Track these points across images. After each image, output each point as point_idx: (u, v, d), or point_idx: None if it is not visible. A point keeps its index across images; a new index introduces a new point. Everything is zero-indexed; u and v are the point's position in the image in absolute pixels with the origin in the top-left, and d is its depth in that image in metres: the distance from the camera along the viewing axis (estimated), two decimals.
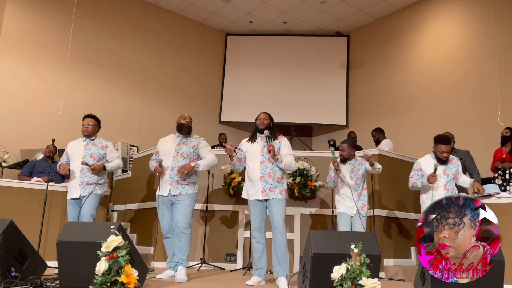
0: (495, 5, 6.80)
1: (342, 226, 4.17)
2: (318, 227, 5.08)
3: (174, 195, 3.95)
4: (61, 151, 6.11)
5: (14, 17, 7.02)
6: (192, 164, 3.95)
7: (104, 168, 4.27)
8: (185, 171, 3.89)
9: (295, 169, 3.81)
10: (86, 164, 4.17)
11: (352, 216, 4.19)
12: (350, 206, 4.20)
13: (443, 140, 4.08)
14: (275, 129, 3.95)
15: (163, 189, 4.01)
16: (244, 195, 3.89)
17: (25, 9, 7.16)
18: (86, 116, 4.40)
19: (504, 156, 5.03)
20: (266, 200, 3.75)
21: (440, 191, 4.00)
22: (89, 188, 4.17)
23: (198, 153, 4.10)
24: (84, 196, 4.17)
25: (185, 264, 3.85)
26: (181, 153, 4.01)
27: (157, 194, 4.08)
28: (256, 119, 3.94)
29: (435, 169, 4.00)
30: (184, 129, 4.09)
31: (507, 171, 4.89)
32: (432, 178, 3.97)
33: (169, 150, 4.07)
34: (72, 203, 4.22)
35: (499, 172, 4.97)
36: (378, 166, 4.24)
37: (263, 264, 3.74)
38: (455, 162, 4.13)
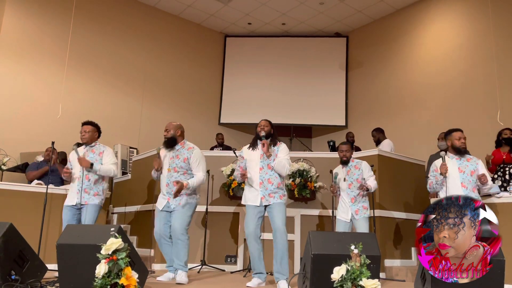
0: (493, 5, 6.81)
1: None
2: (318, 228, 5.08)
3: (173, 207, 3.93)
4: (61, 154, 6.11)
5: (13, 20, 7.02)
6: (185, 189, 3.86)
7: (91, 166, 4.11)
8: (177, 192, 3.83)
9: (287, 173, 3.80)
10: (76, 151, 4.14)
11: (349, 221, 4.23)
12: (345, 211, 4.25)
13: (454, 129, 4.05)
14: (276, 135, 3.96)
15: (160, 202, 4.01)
16: (243, 201, 3.90)
17: (24, 12, 7.16)
18: (83, 124, 4.34)
19: (504, 157, 5.02)
20: (266, 206, 3.77)
21: (457, 189, 3.83)
22: (87, 197, 4.13)
23: (190, 166, 4.00)
24: (82, 204, 4.13)
25: (184, 269, 3.83)
26: (173, 167, 3.97)
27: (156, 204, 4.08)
28: (257, 126, 3.95)
29: (443, 159, 3.91)
30: (164, 145, 4.05)
31: (507, 172, 4.88)
32: (442, 167, 3.86)
33: (164, 164, 4.05)
34: (67, 208, 4.18)
35: (499, 173, 4.96)
36: (372, 186, 4.25)
37: (262, 269, 3.75)
38: (473, 161, 3.97)
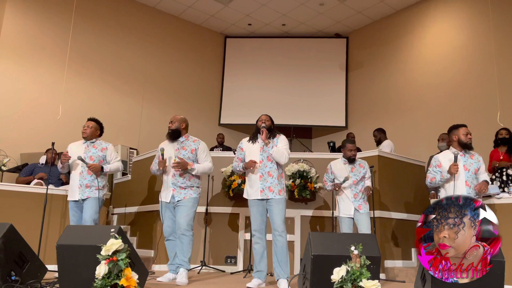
0: (493, 6, 6.82)
1: (344, 230, 4.24)
2: (318, 229, 5.08)
3: (178, 201, 3.94)
4: (61, 155, 6.10)
5: (13, 21, 7.03)
6: (189, 167, 3.93)
7: (101, 169, 4.21)
8: (180, 168, 3.90)
9: (285, 161, 3.80)
10: (82, 160, 4.13)
11: (352, 218, 4.26)
12: (348, 208, 4.27)
13: (460, 124, 3.98)
14: (275, 129, 3.99)
15: (165, 195, 4.01)
16: (244, 195, 3.91)
17: (24, 13, 7.16)
18: (88, 119, 4.40)
19: (501, 158, 5.01)
20: (266, 201, 3.76)
21: (461, 188, 3.76)
22: (88, 191, 4.15)
23: (197, 157, 4.08)
24: (83, 200, 4.16)
25: (187, 266, 3.84)
26: (180, 158, 4.00)
27: (160, 198, 4.08)
28: (257, 120, 3.97)
29: (456, 158, 3.77)
30: (167, 136, 4.08)
31: (504, 173, 4.87)
32: (454, 168, 3.73)
33: (169, 155, 4.06)
34: (73, 206, 4.20)
35: (496, 174, 4.96)
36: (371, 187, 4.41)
37: (263, 267, 3.75)
38: (476, 158, 3.92)
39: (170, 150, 4.07)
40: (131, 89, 8.27)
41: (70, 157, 4.18)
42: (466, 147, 3.94)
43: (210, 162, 4.10)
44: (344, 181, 4.26)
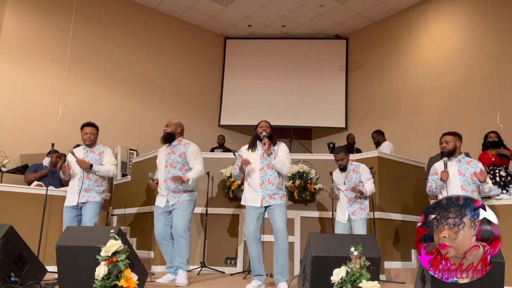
0: (493, 8, 6.82)
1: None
2: (318, 230, 5.08)
3: (172, 205, 3.93)
4: (65, 156, 6.09)
5: (13, 22, 7.03)
6: (184, 179, 3.86)
7: (90, 166, 4.13)
8: (179, 184, 3.86)
9: (287, 171, 3.80)
10: (73, 154, 4.13)
11: (347, 223, 4.29)
12: (343, 213, 4.34)
13: (444, 133, 4.08)
14: (275, 135, 3.96)
15: (160, 200, 4.01)
16: (242, 202, 3.89)
17: (24, 14, 7.17)
18: (85, 125, 4.34)
19: (493, 160, 5.01)
20: (266, 207, 3.76)
21: (457, 192, 3.82)
22: (87, 196, 4.14)
23: (187, 161, 4.01)
24: (82, 203, 4.15)
25: (185, 268, 3.84)
26: (170, 163, 3.98)
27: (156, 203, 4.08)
28: (257, 126, 3.95)
29: (445, 165, 3.90)
30: (161, 139, 4.07)
31: (497, 174, 4.88)
32: (443, 174, 3.86)
33: (161, 161, 4.07)
34: (68, 208, 4.18)
35: (489, 175, 4.96)
36: (369, 190, 4.27)
37: (262, 271, 3.74)
38: (473, 163, 3.96)
39: (163, 155, 4.07)
40: (131, 90, 8.27)
41: (72, 171, 4.19)
42: (441, 154, 4.04)
43: (200, 164, 3.99)
44: (332, 189, 4.45)
